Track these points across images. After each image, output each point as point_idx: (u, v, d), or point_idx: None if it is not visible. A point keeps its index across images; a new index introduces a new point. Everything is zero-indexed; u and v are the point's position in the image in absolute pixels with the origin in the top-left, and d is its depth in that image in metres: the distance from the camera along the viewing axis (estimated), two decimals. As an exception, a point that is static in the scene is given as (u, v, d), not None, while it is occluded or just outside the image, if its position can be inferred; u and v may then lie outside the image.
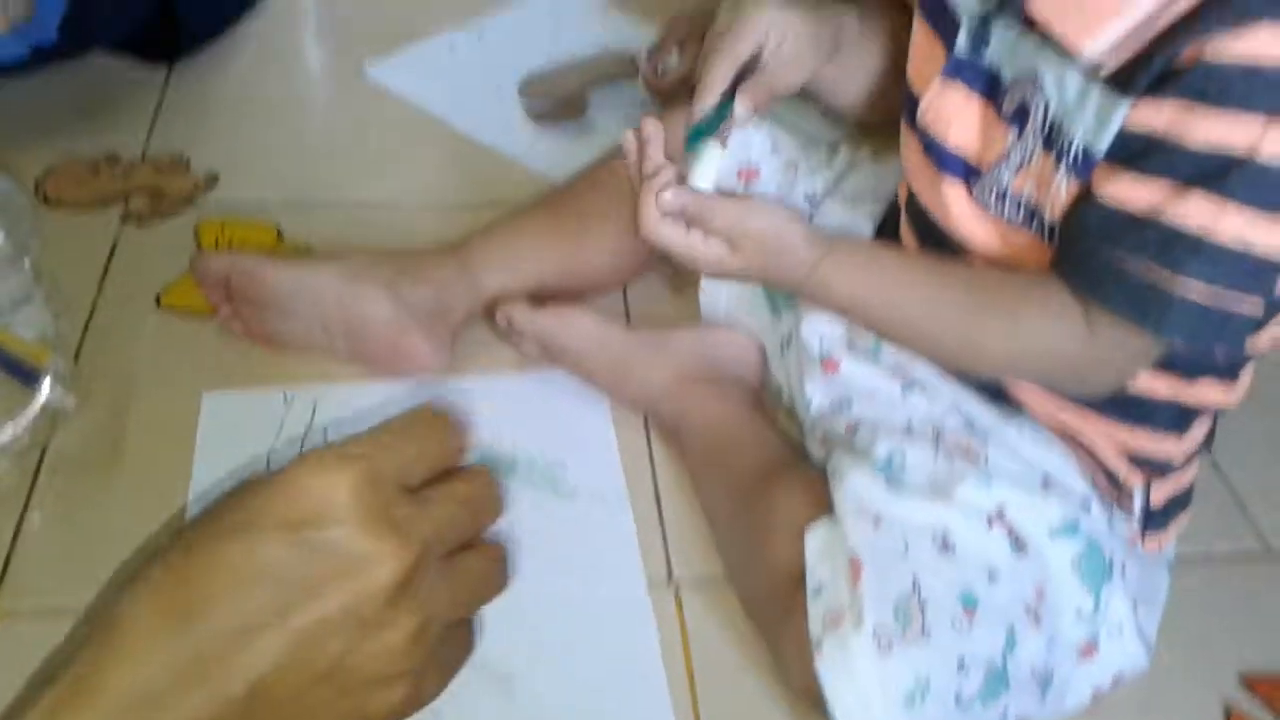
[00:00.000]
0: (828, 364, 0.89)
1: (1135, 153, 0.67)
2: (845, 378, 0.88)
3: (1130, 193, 0.68)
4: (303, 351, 1.01)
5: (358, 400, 0.99)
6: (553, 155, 1.25)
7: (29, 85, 1.25)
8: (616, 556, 0.89)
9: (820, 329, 0.89)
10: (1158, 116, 0.66)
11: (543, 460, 0.95)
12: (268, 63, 1.41)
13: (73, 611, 0.76)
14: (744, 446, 0.91)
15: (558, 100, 1.32)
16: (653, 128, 0.78)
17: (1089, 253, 0.70)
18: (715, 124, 0.81)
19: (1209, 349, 0.73)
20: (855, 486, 0.80)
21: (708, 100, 0.82)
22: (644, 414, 1.00)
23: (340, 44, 1.46)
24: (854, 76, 0.91)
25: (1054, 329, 0.73)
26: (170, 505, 0.89)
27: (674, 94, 1.26)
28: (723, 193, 0.79)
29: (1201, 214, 0.65)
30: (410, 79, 1.36)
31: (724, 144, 0.80)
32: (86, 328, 1.04)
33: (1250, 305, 0.68)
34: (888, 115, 0.89)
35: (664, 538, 0.91)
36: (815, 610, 0.76)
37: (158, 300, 1.07)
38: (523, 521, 0.89)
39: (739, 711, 0.81)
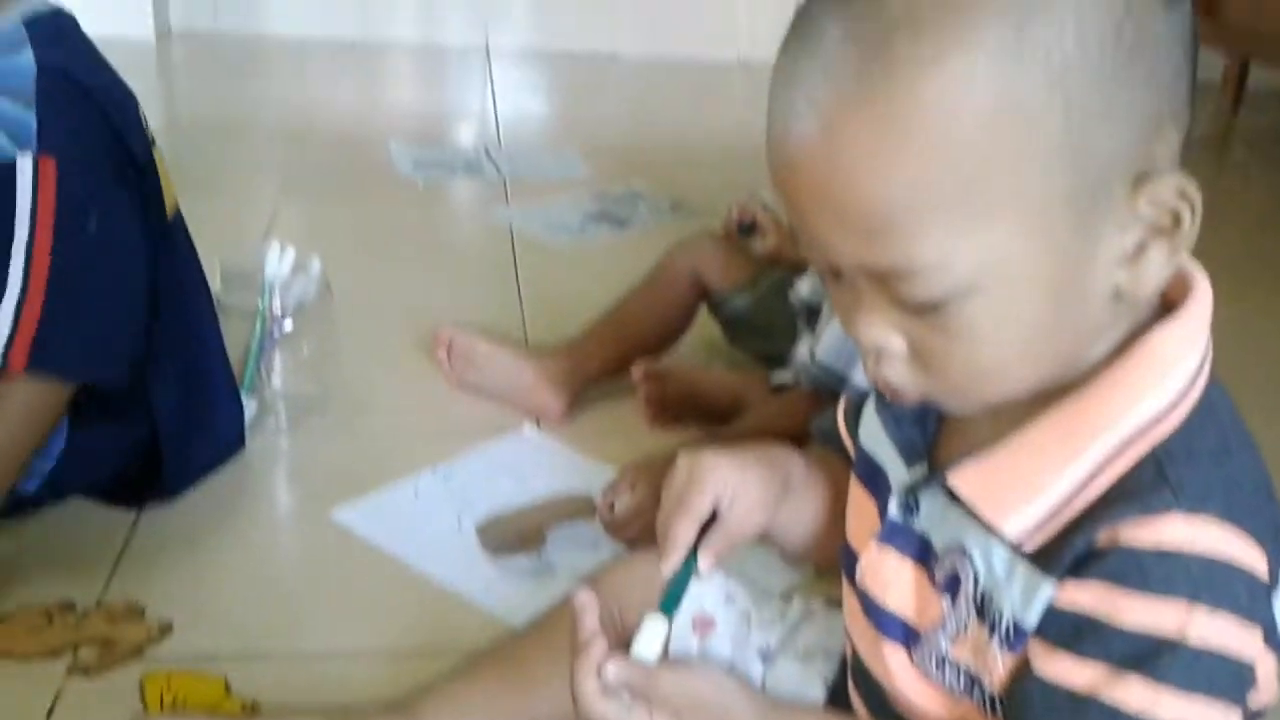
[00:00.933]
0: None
1: (1068, 633, 0.68)
2: None
3: (1068, 673, 0.67)
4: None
5: None
6: (510, 598, 1.25)
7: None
8: None
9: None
10: (1084, 597, 0.67)
11: None
12: (237, 507, 1.43)
13: None
14: None
15: (515, 534, 1.36)
16: (585, 599, 0.79)
17: None
18: (684, 581, 0.82)
19: None
20: None
21: (674, 559, 0.83)
22: None
23: (309, 489, 1.50)
24: (800, 519, 0.92)
25: None
26: None
27: (627, 530, 1.30)
28: (668, 662, 0.79)
29: (1141, 698, 0.65)
30: (374, 523, 1.39)
31: (668, 618, 0.80)
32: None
33: None
34: (835, 558, 0.90)
35: None
36: None
37: None
38: None
39: None
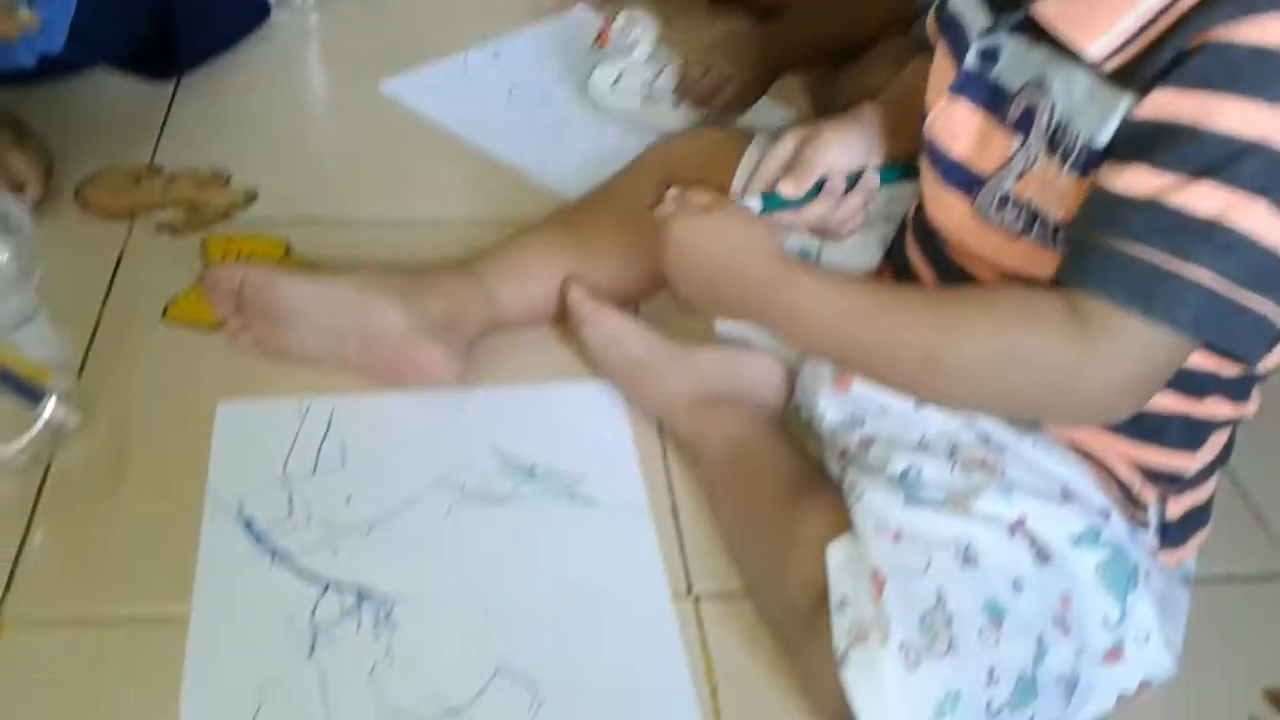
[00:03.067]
0: (840, 381, 0.88)
1: (1142, 144, 0.68)
2: (856, 395, 0.87)
3: (1137, 182, 0.67)
4: (314, 364, 1.00)
5: (374, 411, 0.98)
6: (565, 171, 1.25)
7: (74, 96, 1.27)
8: (639, 567, 0.88)
9: None
10: (1165, 107, 0.67)
11: (561, 471, 0.94)
12: (276, 82, 1.41)
13: (75, 624, 0.75)
14: (763, 469, 0.91)
15: None
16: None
17: (1091, 243, 0.69)
18: (792, 204, 0.87)
19: (1220, 349, 0.72)
20: (873, 503, 0.79)
21: (805, 184, 0.87)
22: (661, 424, 1.00)
23: (347, 67, 1.46)
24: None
25: (1039, 334, 0.71)
26: (182, 516, 0.88)
27: (707, 96, 1.31)
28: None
29: (1212, 202, 0.65)
30: (425, 95, 1.36)
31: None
32: (91, 342, 1.02)
33: (1264, 307, 0.67)
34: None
35: (682, 551, 0.90)
36: (840, 624, 0.75)
37: (164, 314, 1.06)
38: (543, 531, 0.90)
39: (761, 723, 0.80)
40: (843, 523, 0.80)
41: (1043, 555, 0.77)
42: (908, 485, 0.79)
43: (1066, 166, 0.72)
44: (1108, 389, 0.72)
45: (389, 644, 0.81)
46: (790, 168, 0.87)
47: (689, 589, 0.88)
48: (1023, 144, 0.75)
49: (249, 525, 0.87)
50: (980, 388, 0.76)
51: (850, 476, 0.83)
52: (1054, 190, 0.73)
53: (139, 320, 1.05)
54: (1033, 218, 0.75)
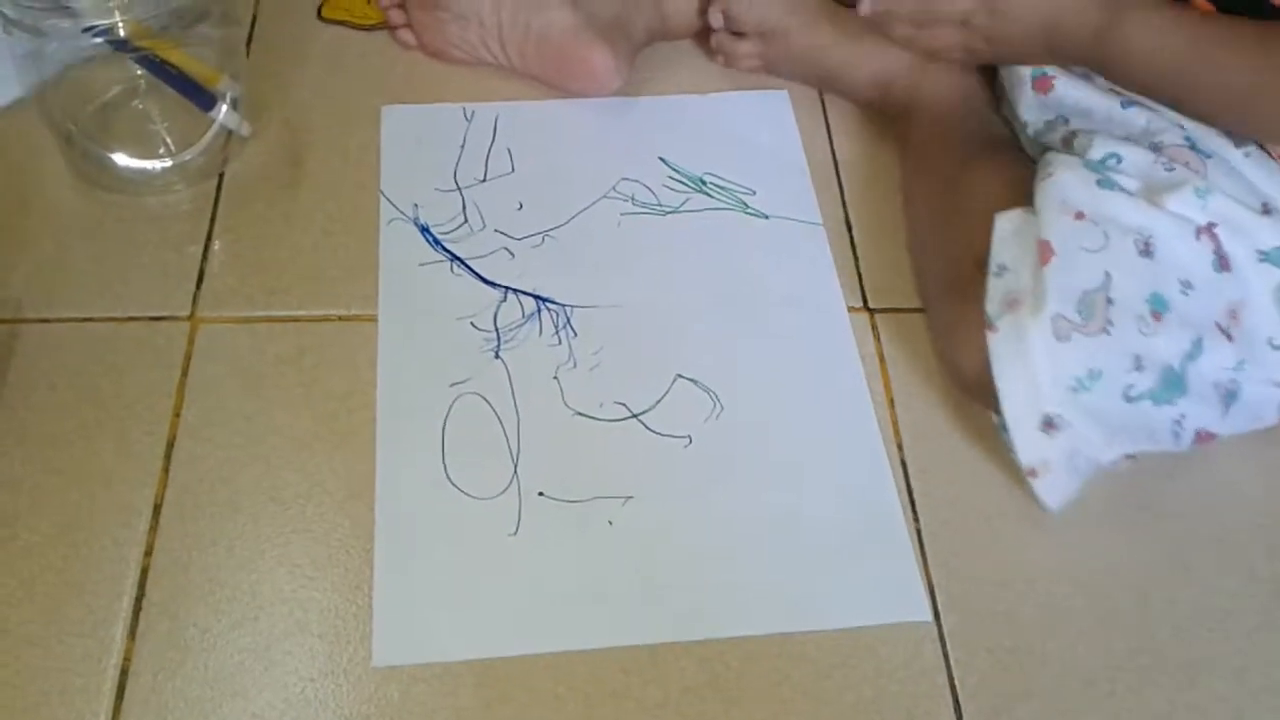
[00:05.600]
0: (1040, 83, 0.84)
1: None
2: (1059, 96, 0.84)
3: None
4: (474, 67, 0.98)
5: (538, 116, 0.96)
6: None
7: None
8: (814, 280, 0.88)
9: None
10: None
11: (732, 184, 0.93)
12: None
13: (268, 321, 0.77)
14: (968, 127, 0.89)
15: None
16: None
17: None
18: None
19: None
20: (1063, 181, 0.77)
21: None
22: (874, 97, 0.97)
23: None
24: None
25: None
26: (360, 217, 0.89)
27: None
28: None
29: None
30: None
31: None
32: (249, 43, 1.01)
33: None
34: None
35: (857, 266, 0.89)
36: (995, 289, 0.75)
37: (319, 13, 1.04)
38: (715, 243, 0.89)
39: (938, 438, 0.81)
40: (1020, 196, 0.79)
41: (1223, 262, 0.75)
42: (1104, 169, 0.78)
43: None
44: None
45: (571, 348, 0.82)
46: None
47: (864, 302, 0.87)
48: None
49: (425, 230, 0.88)
50: None
51: (1045, 157, 0.81)
52: None
53: (295, 17, 1.03)
54: None
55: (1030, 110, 0.86)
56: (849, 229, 0.92)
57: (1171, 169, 0.77)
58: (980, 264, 0.77)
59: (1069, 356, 0.71)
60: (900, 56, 0.93)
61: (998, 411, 0.74)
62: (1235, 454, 0.81)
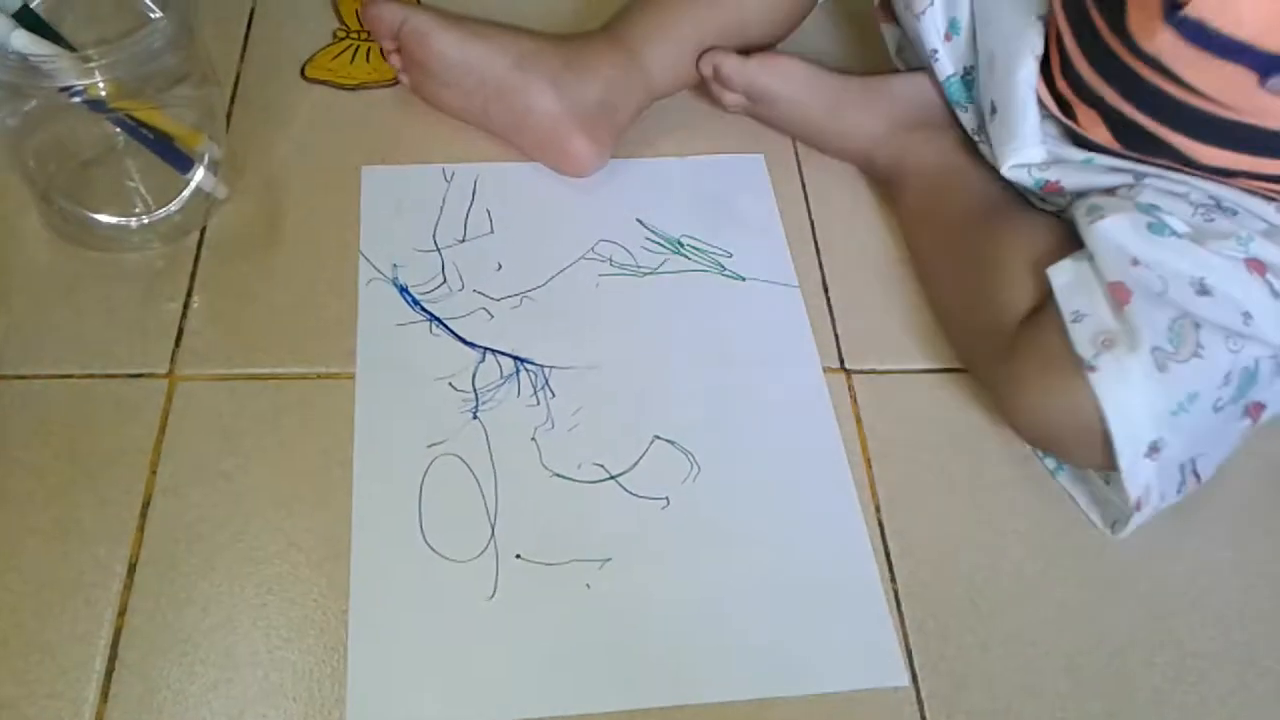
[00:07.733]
0: (1049, 187, 0.87)
1: None
2: (1069, 189, 0.87)
3: None
4: (456, 128, 0.99)
5: (518, 178, 0.97)
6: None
7: None
8: (790, 340, 0.89)
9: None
10: None
11: (709, 244, 0.94)
12: None
13: (247, 380, 0.77)
14: (963, 190, 0.91)
15: None
16: None
17: None
18: None
19: None
20: (1114, 226, 0.79)
21: None
22: (861, 164, 1.00)
23: None
24: None
25: None
26: (339, 277, 0.89)
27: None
28: None
29: None
30: None
31: None
32: (232, 102, 1.02)
33: None
34: None
35: (834, 328, 0.90)
36: (1079, 334, 0.76)
37: (302, 73, 1.05)
38: (693, 304, 0.90)
39: (915, 499, 0.82)
40: (1052, 244, 0.82)
41: (1277, 292, 0.77)
42: (1154, 212, 0.80)
43: None
44: None
45: (549, 410, 0.83)
46: None
47: (841, 363, 0.88)
48: None
49: (404, 290, 0.88)
50: None
51: (1089, 200, 0.83)
52: None
53: (278, 78, 1.04)
54: None
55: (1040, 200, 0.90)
56: (825, 290, 0.93)
57: (1211, 219, 0.80)
58: (1022, 317, 0.80)
59: (1170, 387, 0.74)
60: (880, 127, 0.96)
61: (1052, 456, 0.82)
62: (1213, 524, 0.82)
